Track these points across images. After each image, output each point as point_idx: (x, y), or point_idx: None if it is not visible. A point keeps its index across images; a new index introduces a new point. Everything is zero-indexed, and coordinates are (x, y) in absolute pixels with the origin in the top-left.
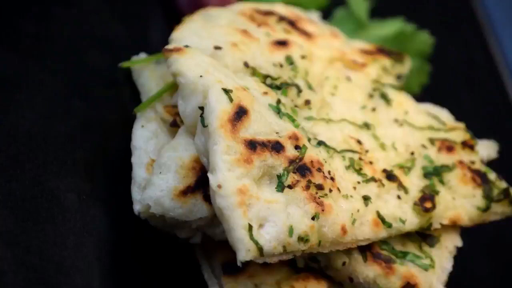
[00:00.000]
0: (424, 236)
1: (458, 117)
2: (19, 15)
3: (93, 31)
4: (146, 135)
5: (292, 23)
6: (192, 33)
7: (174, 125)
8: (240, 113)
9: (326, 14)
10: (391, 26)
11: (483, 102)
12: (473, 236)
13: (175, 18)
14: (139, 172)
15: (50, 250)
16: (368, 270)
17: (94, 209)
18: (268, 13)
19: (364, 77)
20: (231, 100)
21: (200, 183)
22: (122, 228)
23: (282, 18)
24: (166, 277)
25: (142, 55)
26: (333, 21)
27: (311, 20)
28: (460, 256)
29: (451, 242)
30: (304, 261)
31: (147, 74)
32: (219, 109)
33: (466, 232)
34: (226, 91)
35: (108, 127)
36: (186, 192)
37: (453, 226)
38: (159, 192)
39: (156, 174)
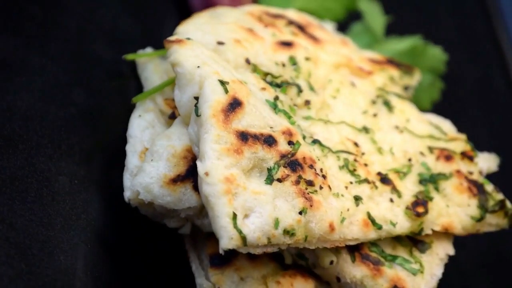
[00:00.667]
0: (415, 241)
1: (470, 137)
2: (27, 0)
3: (102, 24)
4: (142, 124)
5: (301, 28)
6: (196, 28)
7: (173, 117)
8: (234, 105)
9: (343, 28)
10: (406, 42)
11: (497, 124)
12: (471, 249)
13: (188, 17)
14: (132, 159)
15: (36, 229)
16: (355, 270)
17: (86, 194)
18: (278, 16)
19: (369, 84)
20: (226, 91)
21: (191, 172)
22: (113, 216)
23: (291, 22)
24: (154, 267)
25: (148, 50)
26: (349, 34)
27: (322, 27)
28: (458, 270)
29: (443, 250)
30: (291, 257)
31: (152, 68)
32: (213, 99)
33: (464, 244)
34: (222, 83)
35: (108, 117)
36: (176, 180)
37: (446, 234)
38: (149, 179)
39: (147, 162)
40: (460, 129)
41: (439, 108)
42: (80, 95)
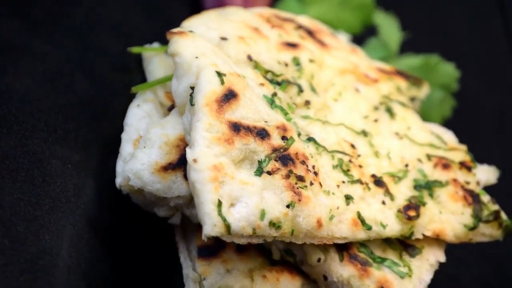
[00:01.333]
0: (406, 246)
1: (482, 157)
2: None
3: (112, 17)
4: (140, 114)
5: (310, 33)
6: (202, 23)
7: (172, 110)
8: (229, 96)
9: (359, 42)
10: (419, 58)
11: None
12: (474, 269)
13: None
14: (126, 147)
15: (23, 208)
16: (343, 269)
17: (78, 178)
18: (287, 20)
19: (374, 91)
20: (222, 82)
21: (182, 161)
22: (104, 202)
23: (300, 27)
24: (141, 256)
25: (156, 45)
26: (364, 48)
27: (333, 35)
28: None
29: (434, 256)
30: (279, 253)
31: (157, 62)
32: (208, 89)
33: (467, 264)
34: (219, 74)
35: (109, 107)
36: (167, 168)
37: (438, 240)
38: (140, 165)
39: (140, 148)
40: (472, 149)
41: (454, 129)
42: (81, 83)
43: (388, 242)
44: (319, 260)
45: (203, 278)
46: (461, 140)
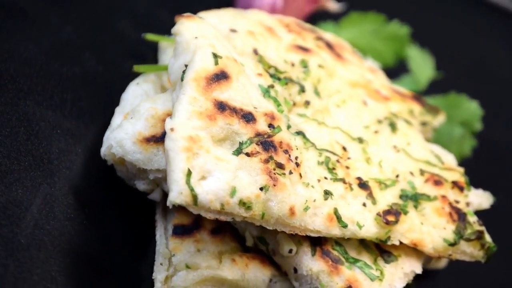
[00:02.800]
0: (383, 251)
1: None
2: None
3: (135, 8)
4: (138, 91)
5: (330, 46)
6: (216, 15)
7: None
8: (220, 76)
9: (392, 76)
10: (447, 97)
11: None
12: None
13: None
14: (116, 118)
15: (0, 160)
16: (313, 264)
17: (65, 145)
18: (309, 30)
19: (383, 107)
20: (216, 63)
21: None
22: (88, 172)
23: (321, 38)
24: (116, 227)
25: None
26: (394, 82)
27: (356, 53)
28: None
29: (410, 266)
30: (253, 240)
31: (170, 52)
32: (199, 65)
33: None
34: (215, 55)
35: (112, 86)
36: (150, 140)
37: (417, 252)
38: (124, 134)
39: (127, 119)
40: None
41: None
42: (89, 60)
43: (365, 245)
44: (290, 251)
45: (172, 255)
46: (476, 182)
